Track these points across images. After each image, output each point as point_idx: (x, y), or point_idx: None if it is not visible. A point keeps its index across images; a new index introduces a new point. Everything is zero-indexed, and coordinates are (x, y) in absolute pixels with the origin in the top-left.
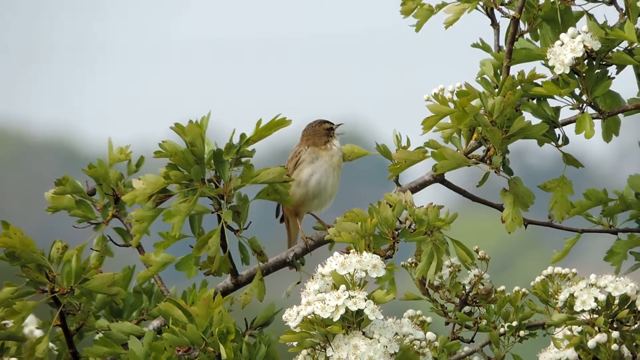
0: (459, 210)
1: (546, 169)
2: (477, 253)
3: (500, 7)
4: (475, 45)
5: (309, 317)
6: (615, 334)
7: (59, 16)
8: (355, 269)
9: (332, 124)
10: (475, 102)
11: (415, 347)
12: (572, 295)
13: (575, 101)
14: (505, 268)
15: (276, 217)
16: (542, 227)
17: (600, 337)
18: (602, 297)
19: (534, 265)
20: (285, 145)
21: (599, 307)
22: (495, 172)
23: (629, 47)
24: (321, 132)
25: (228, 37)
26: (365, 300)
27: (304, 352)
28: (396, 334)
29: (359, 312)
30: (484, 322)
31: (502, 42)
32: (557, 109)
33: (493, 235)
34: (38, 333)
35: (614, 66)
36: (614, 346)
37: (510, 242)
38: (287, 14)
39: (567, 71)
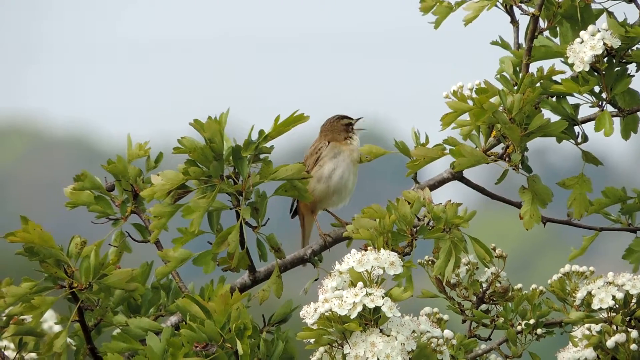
0: (480, 209)
1: (568, 168)
2: (495, 251)
3: (519, 4)
4: (494, 43)
5: (326, 314)
6: (634, 333)
7: (77, 15)
8: (372, 266)
9: (351, 119)
10: (494, 100)
11: (432, 345)
12: (589, 293)
13: (594, 99)
14: (526, 267)
15: (289, 213)
16: (563, 226)
17: (619, 337)
18: (619, 295)
19: (554, 265)
20: (307, 142)
21: (617, 306)
22: (514, 169)
23: None
24: (340, 127)
25: (250, 34)
26: (383, 297)
27: (321, 349)
28: (413, 331)
29: (377, 309)
30: (501, 320)
31: (521, 40)
32: (576, 107)
33: (514, 235)
34: (56, 328)
35: (634, 64)
36: (633, 346)
37: (531, 241)
38: (308, 11)
39: (587, 69)
